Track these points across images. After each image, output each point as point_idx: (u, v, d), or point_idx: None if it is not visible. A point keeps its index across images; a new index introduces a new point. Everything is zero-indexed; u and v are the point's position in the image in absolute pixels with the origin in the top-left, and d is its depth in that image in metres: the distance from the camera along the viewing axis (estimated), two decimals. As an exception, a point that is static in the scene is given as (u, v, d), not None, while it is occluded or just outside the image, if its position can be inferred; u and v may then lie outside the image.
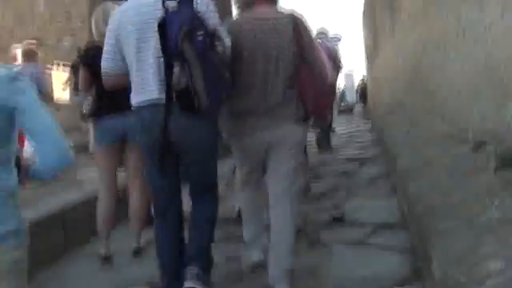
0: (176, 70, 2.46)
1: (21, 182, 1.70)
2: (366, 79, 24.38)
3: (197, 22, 2.49)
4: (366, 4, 17.76)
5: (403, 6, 7.93)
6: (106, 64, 2.78)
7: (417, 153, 4.26)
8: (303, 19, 3.01)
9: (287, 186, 2.94)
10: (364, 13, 19.06)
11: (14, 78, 1.64)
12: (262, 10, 2.98)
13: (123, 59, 2.73)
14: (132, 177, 3.98)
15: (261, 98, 2.89)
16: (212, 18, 2.67)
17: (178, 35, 2.40)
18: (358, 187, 5.19)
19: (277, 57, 2.89)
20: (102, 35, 3.82)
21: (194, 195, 2.94)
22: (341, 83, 29.55)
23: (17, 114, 1.63)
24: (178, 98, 2.52)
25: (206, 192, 2.93)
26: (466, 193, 2.96)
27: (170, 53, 2.47)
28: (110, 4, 3.93)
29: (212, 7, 2.73)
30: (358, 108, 27.68)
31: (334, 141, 8.51)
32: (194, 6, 2.60)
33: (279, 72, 2.89)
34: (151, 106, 2.62)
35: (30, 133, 1.64)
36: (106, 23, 3.77)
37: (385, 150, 6.11)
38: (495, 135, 3.38)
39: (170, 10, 2.51)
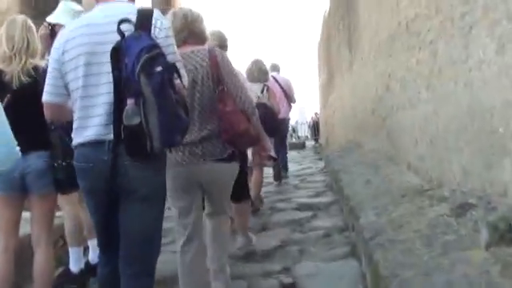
0: (129, 105, 2.18)
1: None
2: (318, 115, 24.12)
3: (156, 51, 2.23)
4: (321, 37, 17.49)
5: (364, 38, 7.48)
6: (48, 95, 2.52)
7: (382, 210, 3.66)
8: (222, 52, 3.23)
9: (215, 227, 3.36)
10: (319, 46, 18.81)
11: None
12: (186, 49, 3.08)
13: (66, 88, 2.48)
14: (36, 232, 3.30)
15: None
16: (171, 48, 2.44)
17: (136, 66, 2.15)
18: (312, 244, 4.55)
19: (192, 89, 2.99)
20: (4, 56, 3.21)
21: (123, 269, 2.46)
22: (293, 118, 29.34)
23: None
24: (126, 136, 2.24)
25: (140, 271, 2.46)
26: (454, 274, 2.35)
27: (123, 85, 2.22)
28: (19, 19, 3.28)
29: (171, 33, 2.49)
30: (310, 143, 27.40)
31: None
32: (152, 31, 2.36)
33: (194, 105, 3.00)
34: (95, 143, 2.36)
35: None
36: (11, 42, 3.18)
37: (341, 198, 5.52)
38: (483, 197, 2.82)
39: (127, 35, 2.26)
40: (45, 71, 3.17)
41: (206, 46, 3.21)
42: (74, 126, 2.46)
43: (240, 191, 4.09)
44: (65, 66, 2.44)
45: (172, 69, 2.33)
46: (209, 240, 3.35)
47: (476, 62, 2.87)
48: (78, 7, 3.97)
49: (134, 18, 2.35)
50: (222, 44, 4.49)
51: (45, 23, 3.96)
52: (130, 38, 2.25)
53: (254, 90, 5.37)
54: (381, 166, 5.54)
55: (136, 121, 2.17)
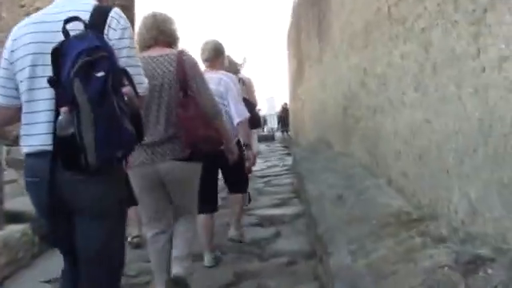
0: (62, 114, 1.93)
1: None
2: (287, 106, 23.29)
3: (100, 54, 1.96)
4: (290, 26, 16.63)
5: (334, 27, 6.63)
6: None
7: (359, 247, 2.83)
8: (190, 55, 3.31)
9: (179, 227, 3.27)
10: (288, 35, 17.96)
11: None
12: (156, 52, 3.23)
13: (17, 89, 2.23)
14: None
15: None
16: (125, 52, 2.19)
17: (71, 70, 1.89)
18: (272, 276, 3.70)
19: (160, 92, 3.11)
20: None
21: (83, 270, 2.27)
22: (262, 109, 28.51)
23: None
24: (60, 148, 2.01)
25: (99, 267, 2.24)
26: None
27: (60, 91, 1.98)
28: None
29: (128, 35, 2.23)
30: (279, 135, 26.65)
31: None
32: (106, 32, 2.15)
33: (161, 107, 3.11)
34: (39, 153, 2.14)
35: None
36: None
37: (307, 216, 4.67)
38: (506, 252, 2.00)
39: (71, 35, 2.00)
40: None
41: (175, 51, 3.28)
42: (21, 132, 2.22)
43: (235, 181, 4.58)
44: (13, 66, 2.21)
45: (120, 74, 2.06)
46: (174, 237, 3.28)
47: (493, 59, 2.04)
48: None
49: (86, 15, 2.11)
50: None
51: None
52: (74, 38, 1.99)
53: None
54: (354, 176, 4.72)
55: (69, 132, 1.93)
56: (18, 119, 2.27)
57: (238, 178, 4.57)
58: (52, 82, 1.99)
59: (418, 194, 3.11)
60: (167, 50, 3.25)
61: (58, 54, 1.98)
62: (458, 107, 2.41)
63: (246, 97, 5.17)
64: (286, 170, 9.62)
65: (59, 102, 2.00)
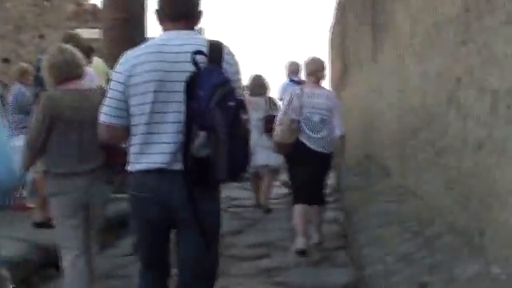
0: (201, 137, 2.22)
1: None
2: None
3: (230, 86, 2.30)
4: (335, 20, 15.06)
5: (398, 18, 5.06)
6: (111, 117, 2.47)
7: None
8: None
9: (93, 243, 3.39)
10: (331, 32, 16.41)
11: None
12: (77, 86, 3.33)
13: (127, 110, 2.43)
14: None
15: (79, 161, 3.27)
16: (238, 84, 2.49)
17: (212, 99, 2.20)
18: None
19: (90, 124, 3.02)
20: None
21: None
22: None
23: None
24: (193, 167, 2.26)
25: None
26: None
27: (195, 116, 2.24)
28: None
29: (239, 69, 2.53)
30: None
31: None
32: (223, 66, 2.38)
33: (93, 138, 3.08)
34: (157, 171, 2.35)
35: None
36: None
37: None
38: None
39: (202, 67, 2.29)
40: None
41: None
42: (133, 150, 2.43)
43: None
44: (130, 90, 2.40)
45: (241, 104, 2.37)
46: None
47: None
48: None
49: (204, 49, 2.35)
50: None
51: None
52: (206, 70, 2.28)
53: (255, 103, 6.61)
54: (440, 245, 3.15)
55: (205, 153, 2.19)
56: (123, 137, 2.52)
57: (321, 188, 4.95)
58: (191, 109, 2.22)
59: None
60: (91, 85, 3.69)
61: (192, 84, 2.23)
62: None
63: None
64: (329, 193, 7.98)
65: (191, 125, 2.22)
